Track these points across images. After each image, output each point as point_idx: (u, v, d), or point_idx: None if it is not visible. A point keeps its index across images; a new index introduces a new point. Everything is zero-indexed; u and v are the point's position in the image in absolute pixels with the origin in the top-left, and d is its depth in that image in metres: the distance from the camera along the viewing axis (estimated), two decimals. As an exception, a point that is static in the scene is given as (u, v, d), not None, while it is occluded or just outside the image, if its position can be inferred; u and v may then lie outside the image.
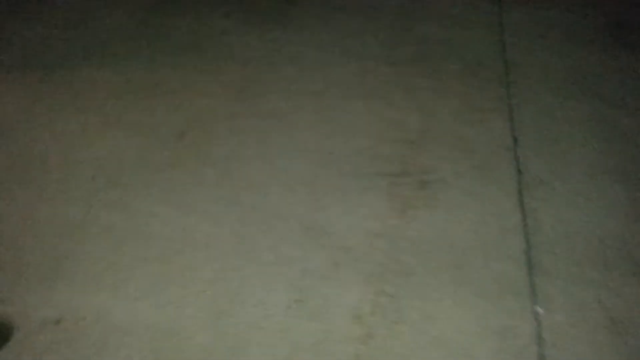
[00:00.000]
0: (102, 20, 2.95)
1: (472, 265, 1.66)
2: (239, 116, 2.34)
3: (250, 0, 3.17)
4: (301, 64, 2.67)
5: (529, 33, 2.82)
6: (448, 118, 2.29)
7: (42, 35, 2.80)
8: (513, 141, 2.13)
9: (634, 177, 1.97)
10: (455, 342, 1.46)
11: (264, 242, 1.77)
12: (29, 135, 2.20)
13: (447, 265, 1.67)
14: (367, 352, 1.45)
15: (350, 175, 2.02)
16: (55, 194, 1.93)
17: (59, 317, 1.53)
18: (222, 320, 1.53)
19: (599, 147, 2.11)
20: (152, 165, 2.08)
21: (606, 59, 2.61)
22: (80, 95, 2.41)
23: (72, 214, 1.85)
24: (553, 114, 2.29)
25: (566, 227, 1.78)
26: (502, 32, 2.83)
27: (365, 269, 1.65)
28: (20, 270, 1.66)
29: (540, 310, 1.51)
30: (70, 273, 1.66)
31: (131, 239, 1.78)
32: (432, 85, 2.50)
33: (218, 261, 1.71)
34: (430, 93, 2.45)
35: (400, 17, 3.06)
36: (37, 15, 2.95)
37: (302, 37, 2.89)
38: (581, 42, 2.74)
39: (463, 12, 3.05)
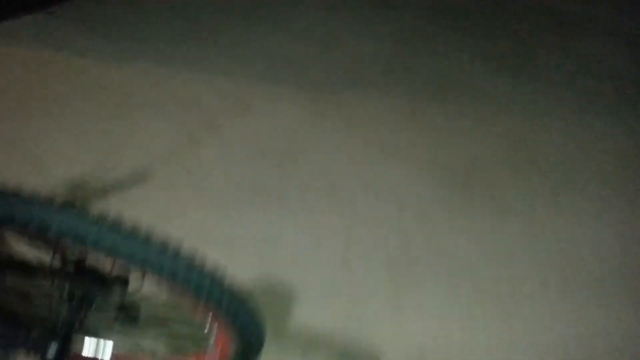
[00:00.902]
0: (354, 47, 2.97)
1: None
2: (523, 171, 2.26)
3: (493, 43, 3.13)
4: (573, 123, 2.58)
5: None
6: None
7: (298, 52, 2.84)
8: None
9: None
10: None
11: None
12: (315, 157, 2.22)
13: None
14: None
15: None
16: (366, 219, 1.92)
17: (416, 357, 1.48)
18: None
19: None
20: (448, 206, 2.03)
21: None
22: (353, 123, 2.42)
23: (385, 241, 1.83)
24: None
25: None
26: None
27: None
28: (364, 292, 1.64)
29: None
30: (407, 307, 1.62)
31: (462, 286, 1.72)
32: None
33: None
34: None
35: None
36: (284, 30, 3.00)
37: (556, 90, 2.81)
38: None
39: None
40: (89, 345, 1.19)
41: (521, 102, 2.68)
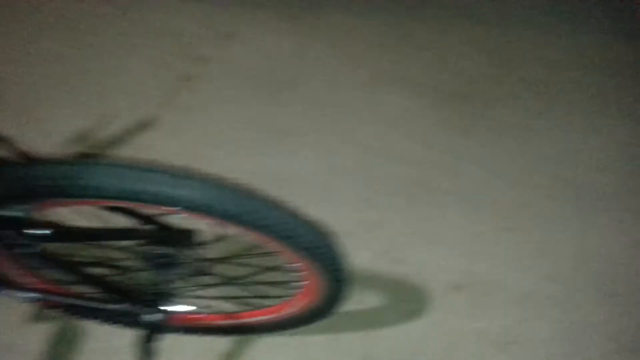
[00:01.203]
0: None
1: None
2: (513, 86, 2.33)
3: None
4: (554, 36, 2.65)
5: None
6: None
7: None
8: None
9: None
10: None
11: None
12: (312, 85, 2.18)
13: None
14: None
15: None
16: (377, 150, 1.96)
17: (458, 282, 1.60)
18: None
19: None
20: (450, 129, 2.09)
21: None
22: (342, 46, 2.36)
23: (399, 171, 1.89)
24: None
25: None
26: None
27: None
28: (393, 228, 1.71)
29: None
30: (438, 236, 1.72)
31: (482, 208, 1.82)
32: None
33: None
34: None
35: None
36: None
37: (536, 3, 2.85)
38: None
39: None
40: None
41: (504, 18, 2.70)
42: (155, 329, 1.07)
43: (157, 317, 1.05)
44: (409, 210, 1.78)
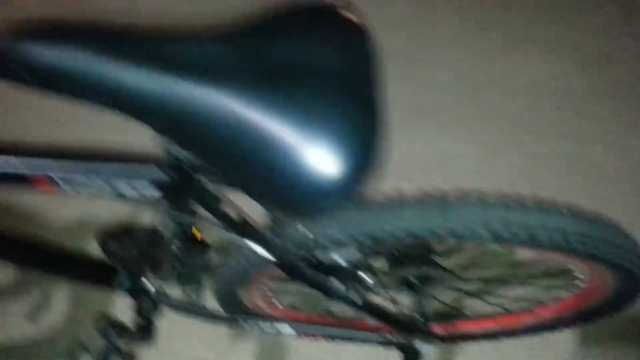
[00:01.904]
0: None
1: None
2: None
3: None
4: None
5: None
6: None
7: None
8: None
9: None
10: None
11: None
12: (444, 56, 2.04)
13: None
14: None
15: None
16: (530, 125, 1.83)
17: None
18: None
19: None
20: (604, 94, 1.95)
21: None
22: (468, 13, 2.19)
23: (564, 147, 1.78)
24: None
25: None
26: None
27: None
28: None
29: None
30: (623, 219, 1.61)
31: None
32: None
33: None
34: None
35: None
36: None
37: None
38: None
39: None
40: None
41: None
42: (418, 353, 1.00)
43: (427, 342, 0.97)
44: (581, 191, 1.67)
